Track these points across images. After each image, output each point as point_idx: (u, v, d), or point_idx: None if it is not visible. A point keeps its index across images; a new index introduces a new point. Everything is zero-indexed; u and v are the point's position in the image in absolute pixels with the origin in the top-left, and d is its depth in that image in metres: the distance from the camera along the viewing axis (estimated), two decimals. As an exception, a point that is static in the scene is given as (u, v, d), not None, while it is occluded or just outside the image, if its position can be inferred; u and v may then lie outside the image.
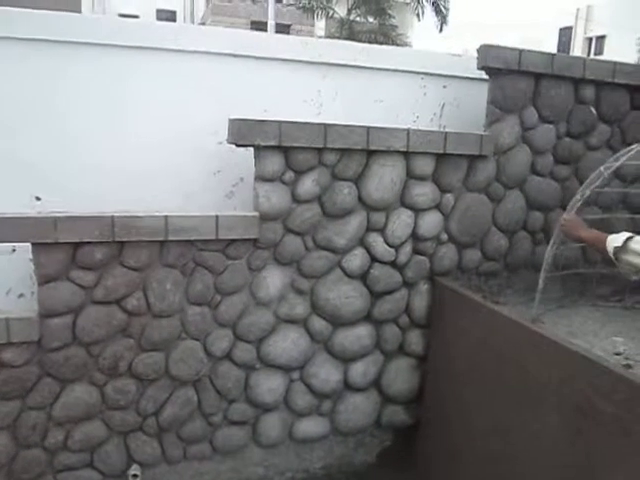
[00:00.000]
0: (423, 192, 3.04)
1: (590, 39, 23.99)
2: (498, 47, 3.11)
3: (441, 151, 3.02)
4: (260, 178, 2.75)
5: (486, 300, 3.13)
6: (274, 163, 2.73)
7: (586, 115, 3.43)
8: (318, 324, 3.00)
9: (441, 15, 15.68)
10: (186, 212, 2.71)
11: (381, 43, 14.39)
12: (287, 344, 2.94)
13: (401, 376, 3.23)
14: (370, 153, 2.90)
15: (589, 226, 2.80)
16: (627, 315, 3.50)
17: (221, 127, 2.78)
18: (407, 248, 3.07)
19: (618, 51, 18.08)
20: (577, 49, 23.75)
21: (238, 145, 2.71)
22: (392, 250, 3.03)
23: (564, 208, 3.11)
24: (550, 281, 3.45)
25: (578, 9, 23.51)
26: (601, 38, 23.15)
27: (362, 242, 2.99)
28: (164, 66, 3.00)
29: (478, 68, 3.13)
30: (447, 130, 3.22)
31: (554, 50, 22.05)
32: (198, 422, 2.92)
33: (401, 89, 3.42)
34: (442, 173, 3.08)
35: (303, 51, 3.19)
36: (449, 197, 3.13)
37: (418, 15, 17.02)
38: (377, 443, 3.35)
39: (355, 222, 2.93)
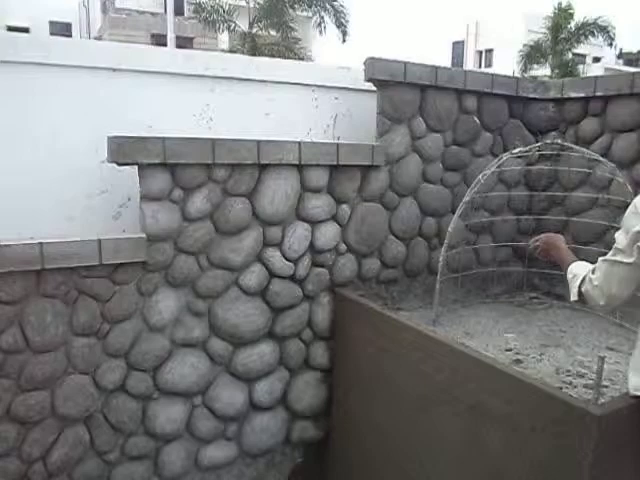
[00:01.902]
0: (318, 204, 3.04)
1: (480, 52, 25.67)
2: (384, 60, 3.20)
3: (334, 162, 3.03)
4: (146, 197, 2.62)
5: (385, 307, 3.18)
6: (160, 181, 2.61)
7: (470, 124, 3.61)
8: (218, 346, 2.89)
9: (342, 29, 16.09)
10: (67, 237, 2.51)
11: (284, 56, 14.50)
12: (186, 369, 2.81)
13: (308, 391, 3.19)
14: (262, 167, 2.86)
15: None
16: (519, 311, 3.69)
17: (103, 145, 2.62)
18: (306, 261, 3.05)
19: (505, 63, 19.46)
20: (469, 61, 25.30)
21: (119, 164, 2.56)
22: (290, 264, 3.00)
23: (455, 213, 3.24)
24: (448, 283, 3.57)
25: (468, 24, 25.06)
26: (489, 51, 24.84)
27: (259, 258, 2.93)
28: (37, 82, 2.79)
29: (365, 80, 3.19)
30: (340, 141, 3.25)
31: (449, 62, 23.36)
32: (92, 462, 2.71)
33: (293, 101, 3.42)
34: (337, 184, 3.10)
35: (189, 64, 3.10)
36: (345, 208, 3.15)
37: (321, 32, 17.40)
38: (288, 461, 3.28)
39: (250, 238, 2.87)
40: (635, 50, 22.35)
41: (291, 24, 16.87)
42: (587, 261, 2.14)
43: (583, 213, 3.72)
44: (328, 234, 3.09)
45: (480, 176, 3.10)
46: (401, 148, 3.31)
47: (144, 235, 2.60)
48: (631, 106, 3.43)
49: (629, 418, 1.98)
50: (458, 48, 26.97)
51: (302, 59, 15.52)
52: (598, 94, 3.58)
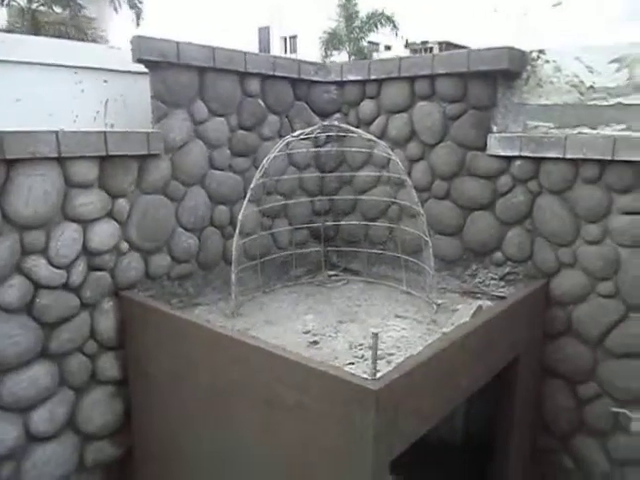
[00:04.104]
0: (89, 201, 2.70)
1: (285, 38, 26.23)
2: (153, 39, 2.94)
3: (103, 153, 2.72)
4: None
5: (179, 305, 2.99)
6: None
7: (255, 107, 3.53)
8: (-25, 378, 2.43)
9: (136, 10, 15.14)
10: None
11: (72, 36, 13.15)
12: None
13: (100, 408, 2.87)
14: (10, 163, 2.43)
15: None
16: (318, 291, 3.76)
17: None
18: (80, 266, 2.70)
19: (309, 49, 20.14)
20: (275, 48, 25.71)
21: None
22: (61, 271, 2.63)
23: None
24: (248, 272, 3.49)
25: (271, 9, 25.39)
26: (294, 37, 25.52)
27: (19, 269, 2.51)
28: None
29: (134, 61, 2.91)
30: (109, 129, 2.93)
31: (257, 48, 23.43)
32: None
33: (52, 85, 2.99)
34: (109, 177, 2.79)
35: None
36: (122, 202, 2.86)
37: (115, 9, 16.28)
38: (86, 489, 2.94)
39: (4, 247, 2.43)
40: (418, 41, 25.12)
41: (80, 1, 15.37)
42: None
43: (369, 191, 3.91)
44: (104, 233, 2.78)
45: (265, 160, 3.05)
46: (182, 134, 3.11)
47: None
48: (401, 88, 3.66)
49: (407, 385, 2.08)
50: (264, 34, 27.21)
51: (94, 40, 14.22)
52: (372, 77, 3.76)
